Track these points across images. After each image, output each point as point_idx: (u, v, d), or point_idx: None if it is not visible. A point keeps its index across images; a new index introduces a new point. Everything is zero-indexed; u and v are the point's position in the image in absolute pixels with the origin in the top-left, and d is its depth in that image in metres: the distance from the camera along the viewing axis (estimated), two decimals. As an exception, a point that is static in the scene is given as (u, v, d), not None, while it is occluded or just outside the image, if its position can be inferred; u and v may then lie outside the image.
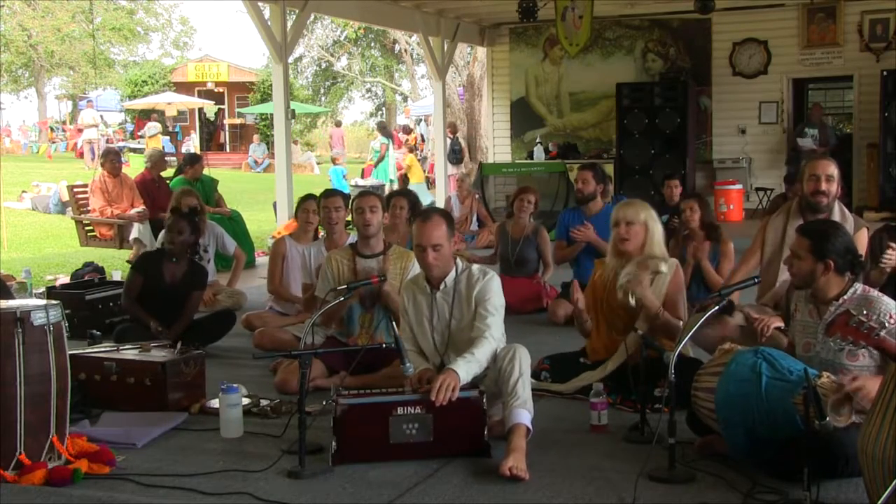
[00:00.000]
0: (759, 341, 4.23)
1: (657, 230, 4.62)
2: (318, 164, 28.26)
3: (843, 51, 13.35)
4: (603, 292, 4.66)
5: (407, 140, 23.09)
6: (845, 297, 3.64)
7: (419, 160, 21.62)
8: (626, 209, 4.64)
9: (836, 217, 4.68)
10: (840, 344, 3.34)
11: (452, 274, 4.09)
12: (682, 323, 4.46)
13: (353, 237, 5.99)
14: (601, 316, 4.68)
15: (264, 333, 5.87)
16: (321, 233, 6.69)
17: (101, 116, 26.59)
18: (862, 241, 4.68)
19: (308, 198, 6.91)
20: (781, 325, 4.30)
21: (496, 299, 4.02)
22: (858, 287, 3.66)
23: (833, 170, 4.79)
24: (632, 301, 4.42)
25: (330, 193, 6.27)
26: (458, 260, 4.16)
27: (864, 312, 3.20)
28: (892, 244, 4.84)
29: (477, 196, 12.12)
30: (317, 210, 6.53)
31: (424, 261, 4.05)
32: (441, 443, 3.75)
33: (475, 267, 4.15)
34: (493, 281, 4.06)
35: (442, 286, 4.08)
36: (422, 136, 24.70)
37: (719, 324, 4.41)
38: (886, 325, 3.39)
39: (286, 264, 6.54)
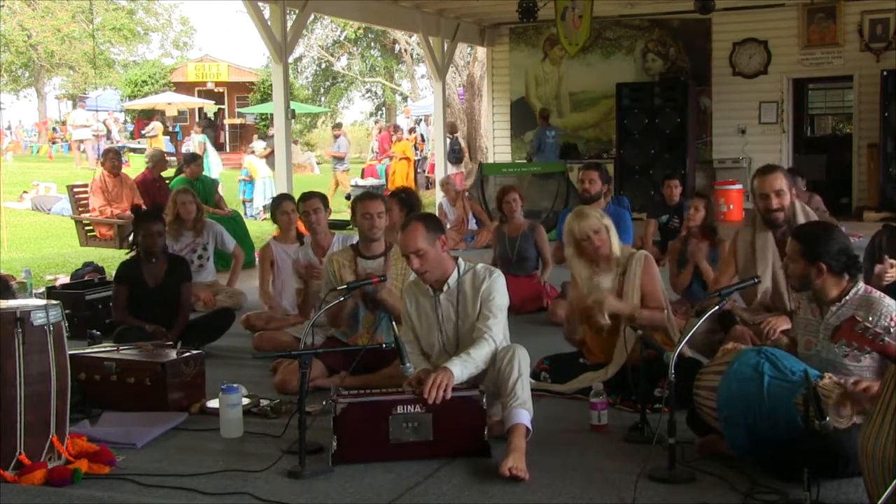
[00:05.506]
0: (762, 342, 4.23)
1: (612, 230, 4.61)
2: (318, 164, 28.24)
3: (843, 51, 13.34)
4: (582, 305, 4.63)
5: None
6: (847, 297, 3.63)
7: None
8: (586, 222, 4.54)
9: (800, 219, 4.58)
10: (844, 349, 3.34)
11: (455, 275, 4.05)
12: (666, 312, 4.50)
13: (338, 237, 6.00)
14: (588, 323, 4.66)
15: (264, 336, 5.85)
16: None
17: (92, 117, 26.45)
18: None
19: (283, 198, 6.90)
20: (788, 327, 4.31)
21: (500, 299, 4.00)
22: (861, 287, 3.65)
23: (780, 182, 4.61)
24: (605, 321, 4.41)
25: (307, 196, 6.17)
26: (461, 260, 4.12)
27: (870, 319, 3.21)
28: (892, 260, 4.80)
29: (467, 195, 12.08)
30: (295, 209, 6.55)
31: (412, 268, 4.04)
32: (441, 442, 3.75)
33: (480, 266, 4.10)
34: (498, 280, 4.02)
35: (445, 288, 4.05)
36: (422, 135, 24.68)
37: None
38: (891, 329, 3.39)
39: (276, 268, 6.53)
